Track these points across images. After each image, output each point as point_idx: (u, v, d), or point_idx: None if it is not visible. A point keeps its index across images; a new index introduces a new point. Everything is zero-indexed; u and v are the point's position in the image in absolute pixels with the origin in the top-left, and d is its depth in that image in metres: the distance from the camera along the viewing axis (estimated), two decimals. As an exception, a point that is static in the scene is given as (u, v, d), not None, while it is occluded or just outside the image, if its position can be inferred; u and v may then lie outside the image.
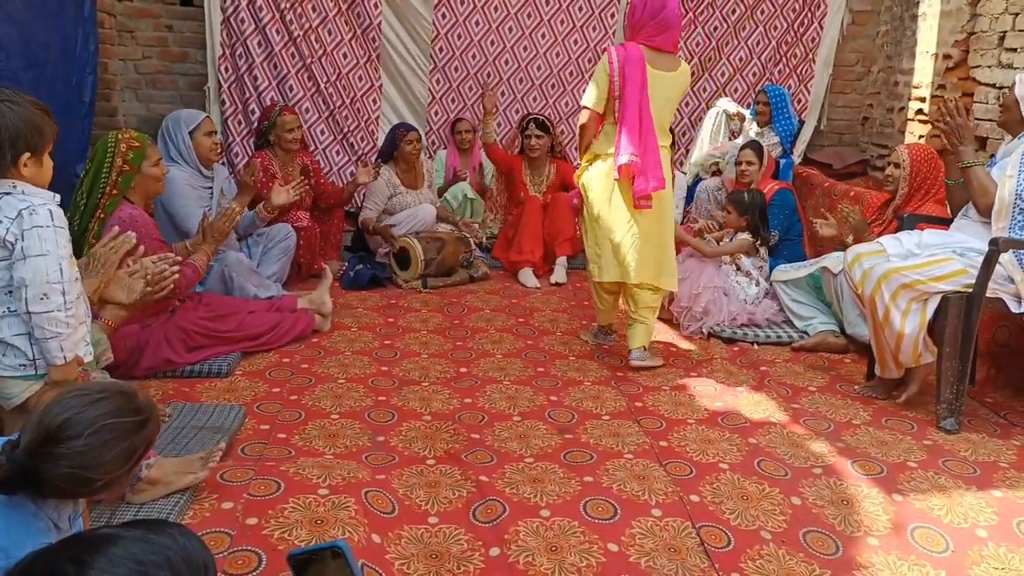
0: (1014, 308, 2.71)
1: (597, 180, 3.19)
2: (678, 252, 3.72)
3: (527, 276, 4.56)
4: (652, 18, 3.06)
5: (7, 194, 1.79)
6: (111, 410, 1.27)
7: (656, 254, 3.22)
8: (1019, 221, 2.69)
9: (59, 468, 1.21)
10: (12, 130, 1.76)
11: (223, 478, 2.21)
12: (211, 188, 3.72)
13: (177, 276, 2.44)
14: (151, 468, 2.04)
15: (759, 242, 3.92)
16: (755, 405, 2.92)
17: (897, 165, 3.46)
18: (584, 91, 5.51)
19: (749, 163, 4.29)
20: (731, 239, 3.97)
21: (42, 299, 1.75)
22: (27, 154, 1.79)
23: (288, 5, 5.05)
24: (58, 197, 1.87)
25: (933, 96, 4.76)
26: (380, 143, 5.16)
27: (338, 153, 5.44)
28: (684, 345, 3.60)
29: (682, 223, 4.96)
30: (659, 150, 3.10)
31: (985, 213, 2.81)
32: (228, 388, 2.92)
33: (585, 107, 3.17)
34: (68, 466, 1.21)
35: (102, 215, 2.81)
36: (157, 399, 2.79)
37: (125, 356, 2.85)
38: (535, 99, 5.56)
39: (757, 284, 3.86)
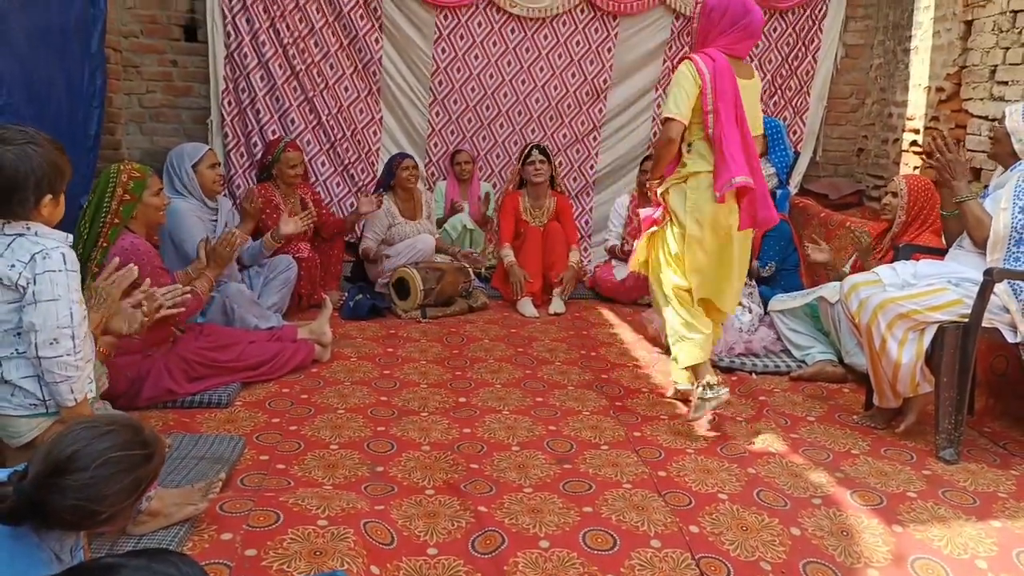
0: (1010, 338, 2.73)
1: (702, 201, 2.86)
2: None
3: (526, 306, 4.58)
4: (733, 24, 2.79)
5: (20, 235, 1.80)
6: (119, 443, 1.29)
7: (739, 279, 3.08)
8: (1014, 252, 2.71)
9: (66, 500, 1.22)
10: (38, 172, 1.77)
11: (222, 509, 2.21)
12: (216, 220, 3.76)
13: (182, 309, 2.47)
14: (151, 500, 2.03)
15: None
16: (754, 435, 2.92)
17: (895, 194, 3.50)
18: (581, 122, 5.65)
19: None
20: None
21: (52, 344, 1.75)
22: (49, 196, 1.81)
23: (291, 40, 5.14)
24: (70, 238, 1.88)
25: (927, 128, 4.83)
26: (380, 174, 5.21)
27: (338, 184, 5.49)
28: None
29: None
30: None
31: (981, 245, 2.83)
32: (228, 418, 2.92)
33: (673, 119, 2.78)
34: (75, 498, 1.22)
35: (104, 244, 2.85)
36: (158, 429, 2.77)
37: (127, 386, 2.86)
38: (533, 131, 5.63)
39: (750, 311, 3.89)
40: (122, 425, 1.33)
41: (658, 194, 3.05)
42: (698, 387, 2.87)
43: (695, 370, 2.96)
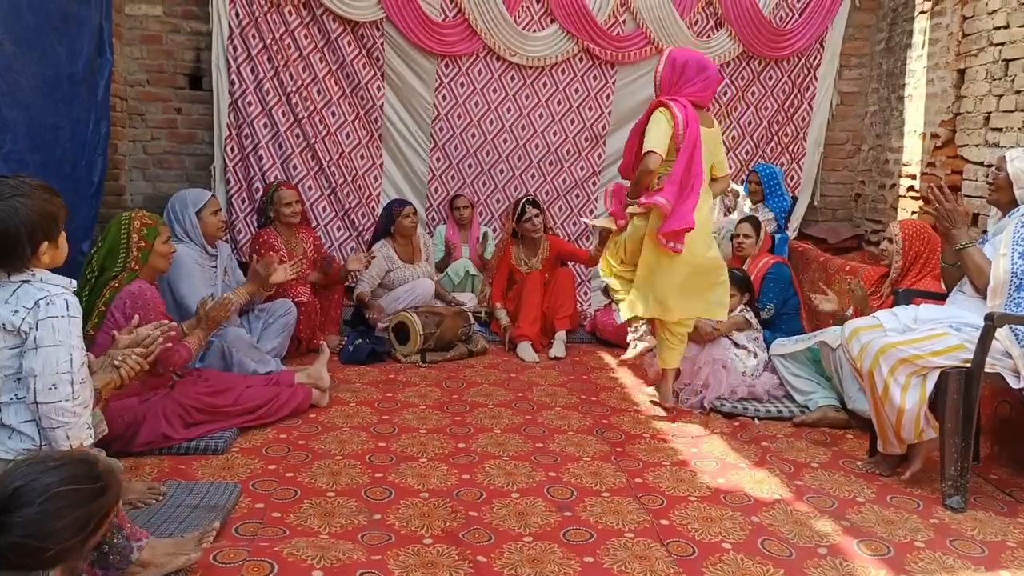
0: (1013, 383, 2.70)
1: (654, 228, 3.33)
2: None
3: (526, 350, 4.56)
4: (699, 73, 3.23)
5: (25, 282, 1.80)
6: (67, 477, 1.25)
7: (705, 291, 3.46)
8: (1014, 298, 2.71)
9: (9, 538, 1.17)
10: (28, 224, 1.78)
11: (216, 559, 2.17)
12: (216, 266, 3.77)
13: (164, 345, 2.46)
14: (143, 550, 2.00)
15: (749, 315, 3.93)
16: (757, 482, 2.88)
17: (891, 240, 3.52)
18: (580, 167, 5.71)
19: (746, 236, 4.35)
20: None
21: (51, 389, 1.73)
22: (45, 243, 1.82)
23: (294, 88, 5.22)
24: (74, 283, 1.87)
25: (923, 174, 4.87)
26: (378, 220, 5.24)
27: (339, 229, 5.53)
28: (684, 420, 3.57)
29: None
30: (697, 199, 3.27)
31: (982, 292, 2.83)
32: (224, 465, 2.88)
33: (654, 151, 3.22)
34: (19, 535, 1.17)
35: (116, 285, 2.90)
36: (152, 477, 2.76)
37: (122, 430, 2.83)
38: (533, 176, 5.69)
39: (755, 356, 3.86)
40: (73, 460, 1.29)
41: (627, 211, 3.47)
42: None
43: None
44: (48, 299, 1.77)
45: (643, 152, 3.27)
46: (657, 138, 3.22)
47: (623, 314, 3.62)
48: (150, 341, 2.38)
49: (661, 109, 3.25)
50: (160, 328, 2.44)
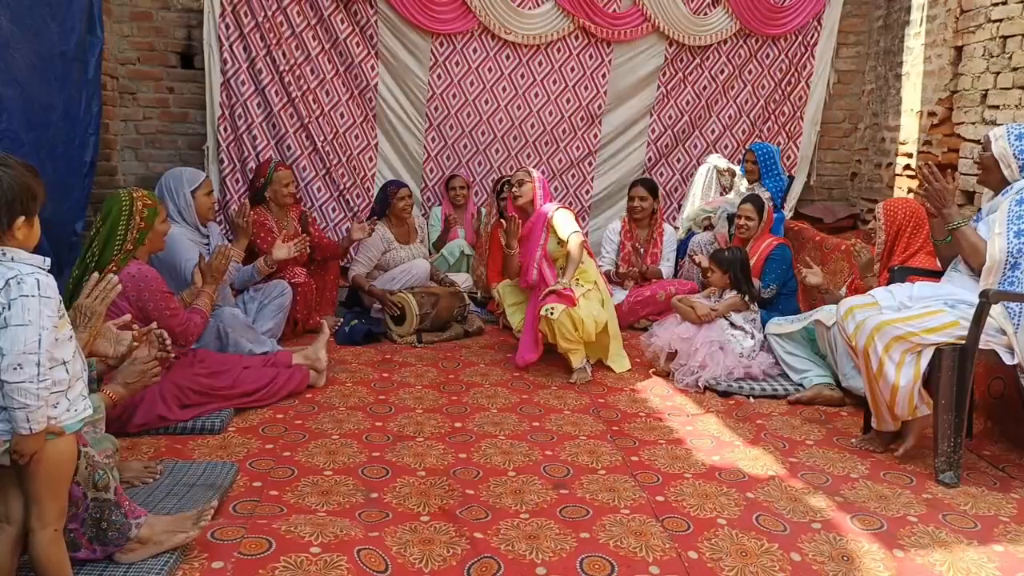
0: (1007, 360, 2.72)
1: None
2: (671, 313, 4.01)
3: (522, 330, 4.57)
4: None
5: None
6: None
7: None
8: (1008, 277, 2.71)
9: None
10: (8, 195, 1.74)
11: (214, 536, 2.18)
12: (208, 244, 3.76)
13: (159, 372, 2.53)
14: (141, 527, 2.00)
15: (747, 297, 3.93)
16: (752, 459, 2.90)
17: (876, 217, 3.53)
18: (576, 147, 5.67)
19: (748, 218, 4.30)
20: (719, 298, 3.98)
21: (15, 369, 1.69)
22: (22, 218, 1.78)
23: (287, 67, 5.17)
24: (48, 261, 1.83)
25: (920, 152, 4.86)
26: (374, 201, 5.21)
27: (334, 209, 5.50)
28: (679, 399, 3.59)
29: (675, 276, 4.99)
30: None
31: (978, 270, 2.83)
32: (221, 445, 2.89)
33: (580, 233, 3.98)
34: None
35: (114, 269, 2.87)
36: (149, 456, 2.76)
37: (118, 412, 2.82)
38: (529, 155, 5.66)
39: (752, 337, 3.86)
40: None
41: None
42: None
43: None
44: (19, 278, 1.73)
45: (570, 234, 3.94)
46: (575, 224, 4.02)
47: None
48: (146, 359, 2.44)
49: (560, 211, 4.01)
50: (163, 343, 2.52)
